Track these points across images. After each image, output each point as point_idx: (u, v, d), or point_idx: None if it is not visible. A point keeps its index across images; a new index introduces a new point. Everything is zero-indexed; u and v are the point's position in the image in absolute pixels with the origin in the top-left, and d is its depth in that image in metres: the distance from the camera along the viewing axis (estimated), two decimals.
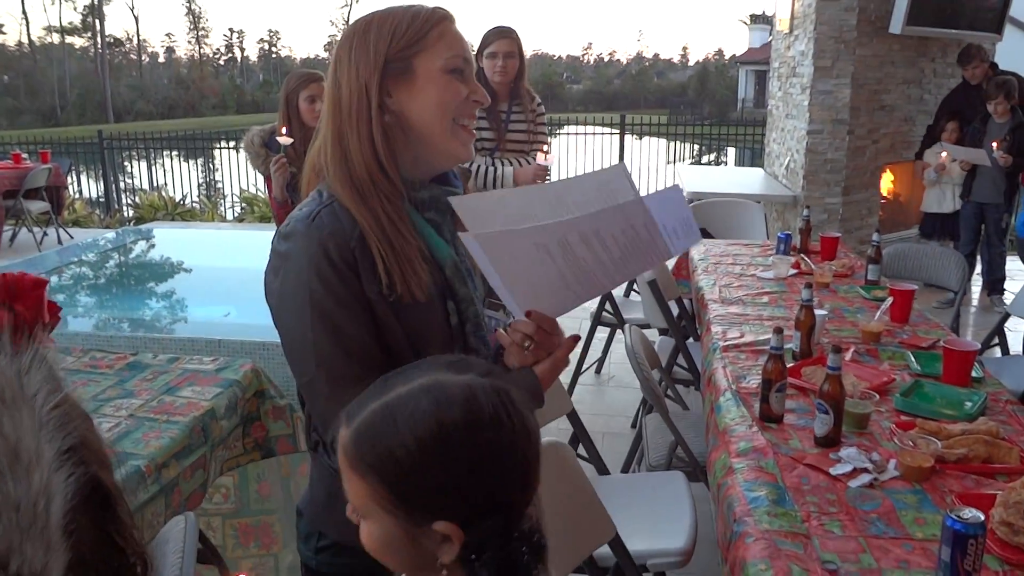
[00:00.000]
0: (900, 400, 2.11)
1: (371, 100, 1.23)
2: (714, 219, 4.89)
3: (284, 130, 3.10)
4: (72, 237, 8.46)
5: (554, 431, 2.61)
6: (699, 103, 45.44)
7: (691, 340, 3.78)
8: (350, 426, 0.90)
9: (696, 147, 22.97)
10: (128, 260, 6.88)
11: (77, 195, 11.76)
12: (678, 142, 19.37)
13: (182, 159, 13.18)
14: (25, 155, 8.85)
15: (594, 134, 11.79)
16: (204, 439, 2.21)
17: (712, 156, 25.06)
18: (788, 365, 2.31)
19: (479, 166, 3.47)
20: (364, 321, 1.22)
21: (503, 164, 3.52)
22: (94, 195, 12.65)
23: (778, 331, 2.02)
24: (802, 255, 3.69)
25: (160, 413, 2.21)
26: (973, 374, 2.27)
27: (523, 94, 3.60)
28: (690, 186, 6.07)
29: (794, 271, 3.50)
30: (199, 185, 16.48)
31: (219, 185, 14.89)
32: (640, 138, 12.01)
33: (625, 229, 1.17)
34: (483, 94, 1.29)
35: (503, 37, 3.46)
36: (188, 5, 68.93)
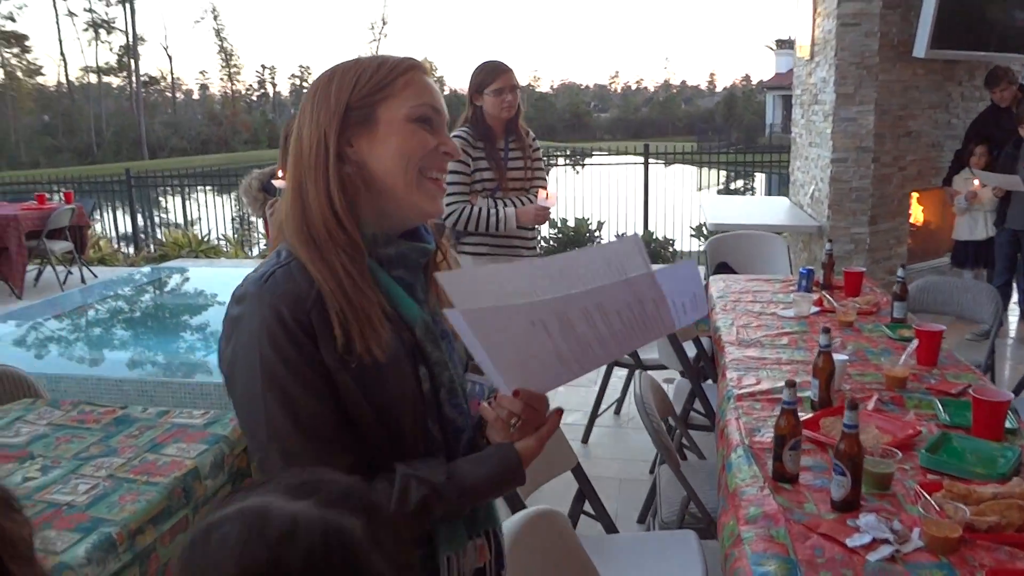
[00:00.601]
0: (926, 457, 1.95)
1: (329, 149, 1.14)
2: (736, 252, 4.75)
3: (281, 173, 3.02)
4: (96, 276, 8.50)
5: (562, 487, 2.47)
6: (727, 129, 45.21)
7: (710, 381, 3.64)
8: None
9: (724, 174, 22.78)
10: (138, 301, 6.85)
11: (106, 233, 11.88)
12: (706, 169, 19.25)
13: (215, 194, 13.24)
14: (50, 195, 8.94)
15: (619, 164, 11.70)
16: (186, 501, 2.11)
17: (740, 183, 24.87)
18: (805, 416, 2.17)
19: (480, 208, 3.38)
20: (322, 392, 1.11)
21: (504, 204, 3.42)
22: (125, 232, 12.76)
23: (791, 385, 1.88)
24: (825, 292, 3.54)
25: (141, 473, 2.12)
26: (1007, 425, 2.10)
27: (519, 131, 3.53)
28: (713, 217, 5.94)
29: (816, 309, 3.34)
30: (232, 220, 16.63)
31: (252, 220, 15.04)
32: (668, 166, 11.88)
33: (631, 303, 1.06)
34: (453, 146, 1.20)
35: (505, 71, 3.38)
36: (220, 43, 70.23)
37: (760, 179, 22.39)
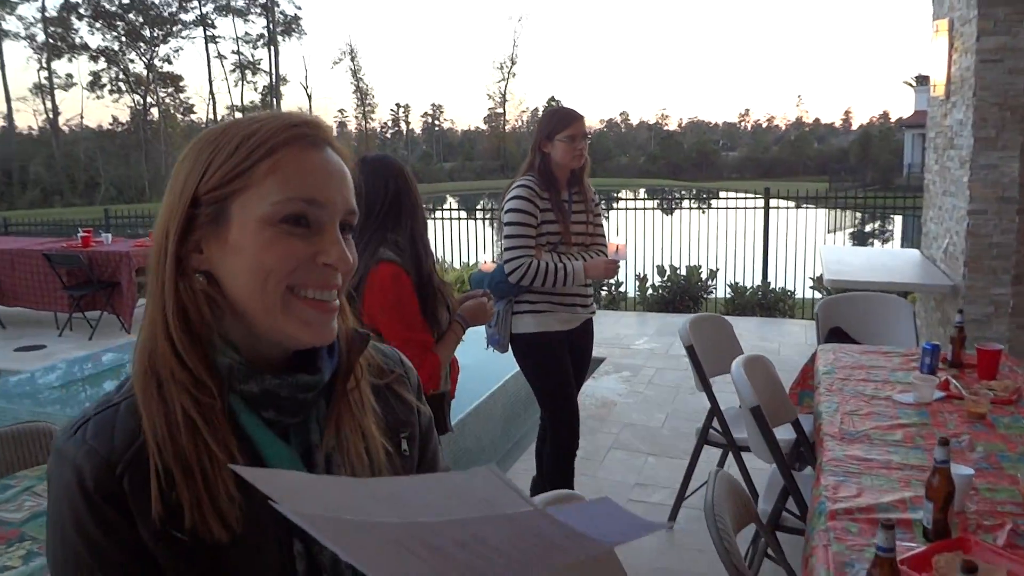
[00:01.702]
0: None
1: (167, 254, 0.86)
2: (852, 316, 4.23)
3: None
4: None
5: None
6: (861, 169, 43.17)
7: (810, 469, 3.17)
8: None
9: (858, 216, 21.64)
10: None
11: None
12: (838, 211, 18.27)
13: None
14: None
15: (737, 208, 11.15)
16: None
17: (875, 226, 23.59)
18: (917, 548, 1.73)
19: (547, 263, 3.11)
20: None
21: (571, 259, 3.16)
22: None
23: (888, 527, 1.46)
24: (953, 374, 3.02)
25: None
26: None
27: (584, 183, 3.28)
28: (832, 272, 5.40)
29: (941, 395, 2.84)
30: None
31: None
32: (797, 208, 11.16)
33: (523, 535, 0.71)
34: (340, 254, 0.87)
35: (580, 119, 3.15)
36: (356, 83, 73.04)
37: (898, 222, 21.14)
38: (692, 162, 64.22)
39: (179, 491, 0.80)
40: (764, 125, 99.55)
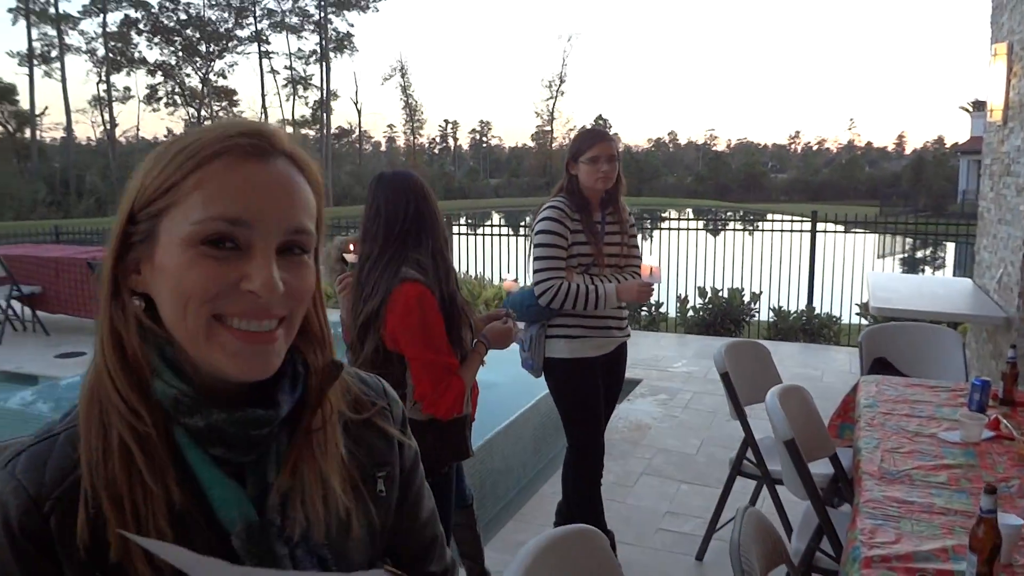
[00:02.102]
0: None
1: (105, 276, 0.80)
2: (898, 346, 4.06)
3: (352, 246, 2.74)
4: None
5: None
6: (914, 194, 42.30)
7: (848, 507, 3.02)
8: None
9: (909, 242, 21.14)
10: None
11: None
12: (888, 236, 17.87)
13: None
14: None
15: (783, 231, 10.93)
16: None
17: (926, 252, 23.03)
18: None
19: (578, 285, 3.02)
20: None
21: (603, 281, 3.07)
22: None
23: None
24: (1004, 412, 2.86)
25: None
26: None
27: (618, 204, 3.20)
28: (878, 299, 5.22)
29: (990, 434, 2.68)
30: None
31: None
32: (847, 231, 10.88)
33: None
34: (266, 281, 0.77)
35: (604, 140, 3.07)
36: (406, 99, 73.79)
37: (950, 249, 20.61)
38: (740, 183, 63.55)
39: (110, 521, 0.74)
40: (815, 147, 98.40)
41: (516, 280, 2.66)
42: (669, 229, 10.43)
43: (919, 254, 22.56)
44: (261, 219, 0.77)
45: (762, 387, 3.06)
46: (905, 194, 42.32)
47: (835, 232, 10.09)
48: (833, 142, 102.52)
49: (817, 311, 8.37)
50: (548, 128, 75.76)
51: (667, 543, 3.66)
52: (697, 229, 10.58)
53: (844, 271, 9.63)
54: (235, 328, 0.77)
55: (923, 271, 20.86)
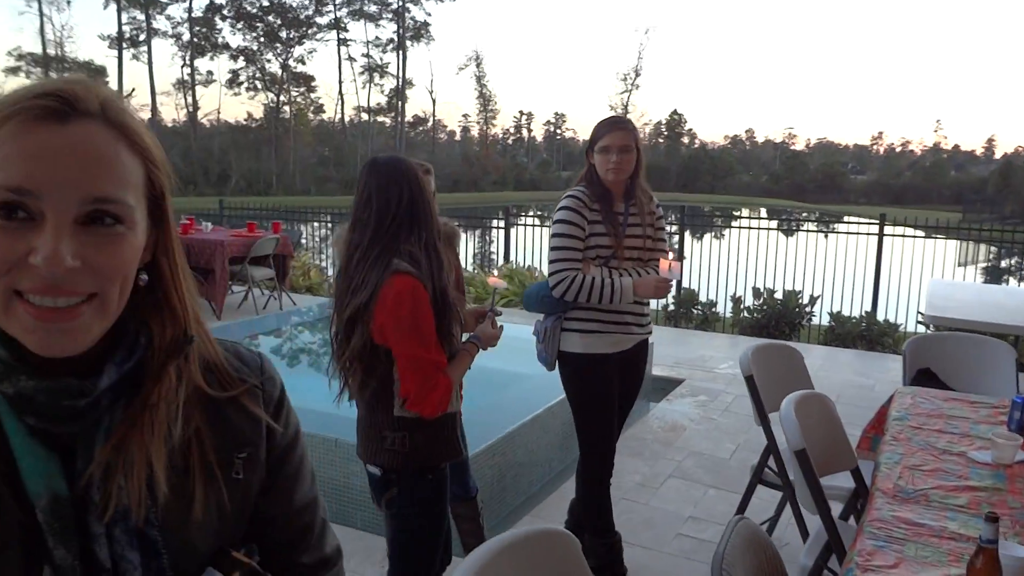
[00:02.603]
0: None
1: None
2: (945, 357, 3.84)
3: None
4: (295, 304, 8.82)
5: None
6: (1000, 200, 40.54)
7: None
8: None
9: (992, 250, 20.25)
10: (302, 334, 6.89)
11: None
12: (971, 243, 17.17)
13: (462, 231, 13.58)
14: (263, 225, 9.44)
15: (849, 233, 10.56)
16: None
17: (1011, 262, 22.05)
18: None
19: (593, 277, 2.92)
20: None
21: (620, 275, 2.96)
22: None
23: None
24: None
25: None
26: None
27: (639, 193, 3.05)
28: (931, 308, 4.97)
29: None
30: (474, 256, 17.02)
31: (493, 257, 15.39)
32: (927, 237, 10.42)
33: None
34: (50, 254, 0.70)
35: (617, 129, 2.94)
36: (480, 89, 74.00)
37: None
38: (817, 184, 61.92)
39: None
40: (898, 149, 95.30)
41: (500, 277, 2.53)
42: (739, 228, 10.19)
43: (1003, 263, 21.61)
44: (51, 188, 0.71)
45: (790, 393, 2.92)
46: (991, 200, 40.59)
47: (913, 237, 9.66)
48: (918, 144, 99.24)
49: (881, 318, 8.04)
50: None
51: (684, 549, 3.53)
52: (768, 229, 10.24)
53: (918, 278, 9.21)
54: (31, 303, 0.72)
55: (1007, 282, 19.97)
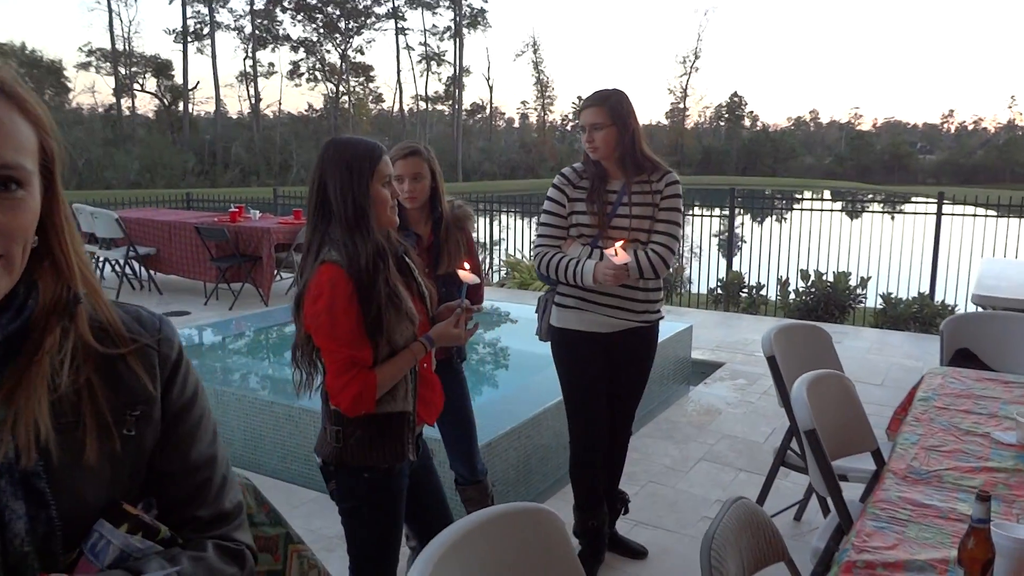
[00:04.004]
0: None
1: None
2: (985, 337, 3.68)
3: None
4: None
5: None
6: None
7: None
8: None
9: None
10: None
11: None
12: None
13: (519, 217, 13.59)
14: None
15: (905, 213, 10.24)
16: None
17: None
18: None
19: (560, 257, 2.87)
20: None
21: (593, 258, 2.84)
22: None
23: None
24: None
25: None
26: None
27: (645, 167, 2.90)
28: (981, 288, 4.78)
29: None
30: (531, 242, 17.04)
31: None
32: (1000, 216, 10.01)
33: None
34: None
35: (588, 105, 2.85)
36: (537, 75, 73.72)
37: None
38: (883, 165, 60.25)
39: None
40: (970, 127, 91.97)
41: (467, 268, 2.23)
42: (801, 210, 9.97)
43: None
44: None
45: None
46: None
47: (973, 216, 9.30)
48: (991, 121, 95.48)
49: (936, 300, 7.79)
50: (681, 105, 74.05)
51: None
52: (826, 210, 9.92)
53: (975, 258, 8.86)
54: None
55: None
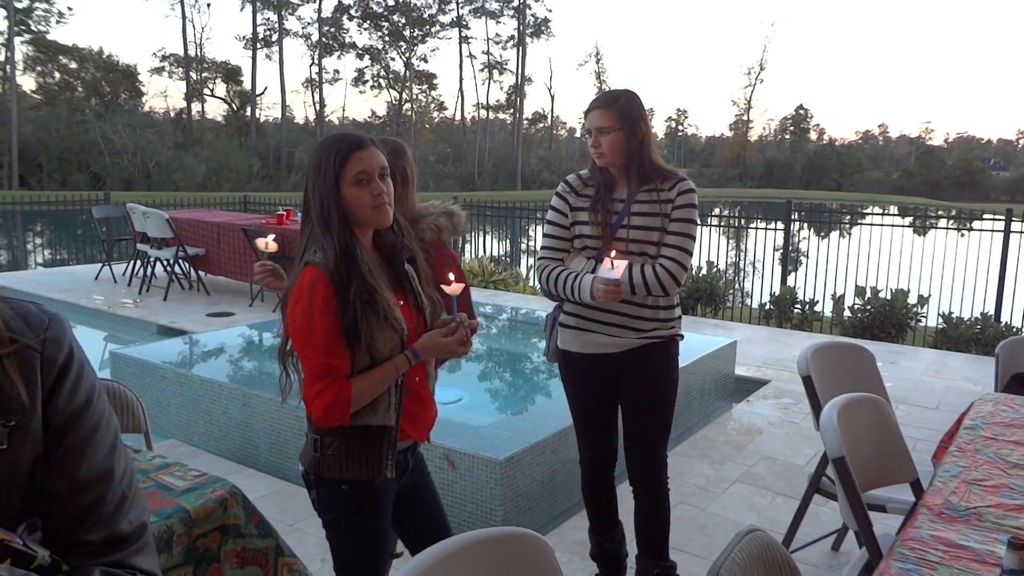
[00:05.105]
0: None
1: None
2: None
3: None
4: None
5: None
6: None
7: None
8: None
9: None
10: None
11: None
12: None
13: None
14: None
15: (971, 230, 9.80)
16: None
17: None
18: None
19: (560, 271, 2.70)
20: None
21: (593, 272, 2.63)
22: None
23: None
24: None
25: None
26: None
27: (652, 175, 2.67)
28: None
29: None
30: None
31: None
32: None
33: None
34: None
35: (594, 108, 2.65)
36: (599, 85, 73.40)
37: None
38: (954, 181, 58.43)
39: None
40: None
41: (452, 279, 2.03)
42: (863, 224, 9.64)
43: None
44: None
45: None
46: None
47: None
48: None
49: (1004, 321, 7.41)
50: (745, 118, 72.95)
51: None
52: (891, 226, 9.52)
53: None
54: None
55: None
